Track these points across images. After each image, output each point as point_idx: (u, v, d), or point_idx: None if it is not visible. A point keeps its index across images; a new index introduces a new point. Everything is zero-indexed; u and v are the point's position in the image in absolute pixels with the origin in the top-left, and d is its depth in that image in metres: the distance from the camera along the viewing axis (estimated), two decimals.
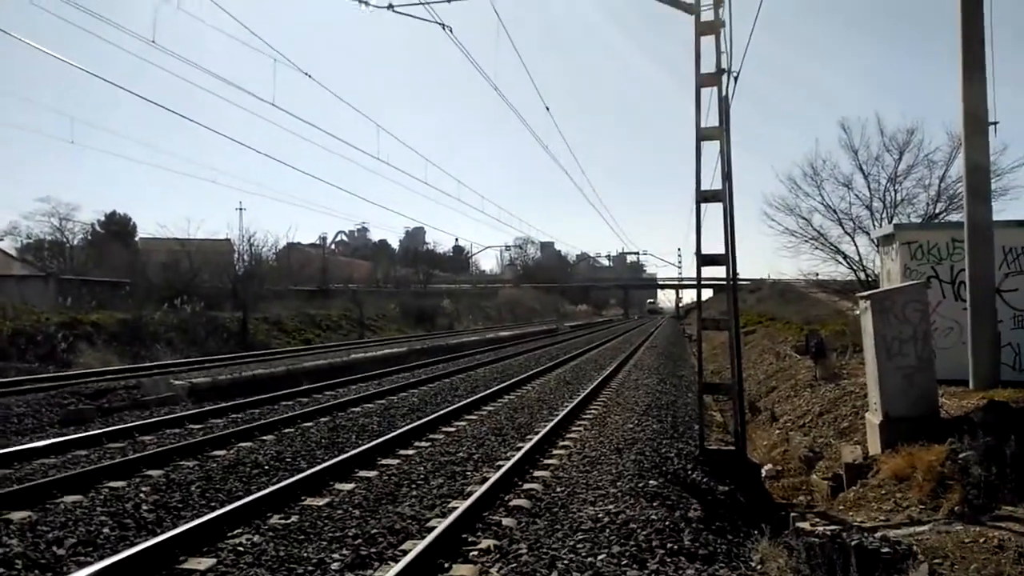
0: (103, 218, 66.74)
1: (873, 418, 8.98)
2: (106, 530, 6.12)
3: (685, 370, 22.16)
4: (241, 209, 66.43)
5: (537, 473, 8.38)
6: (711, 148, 9.97)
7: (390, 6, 13.96)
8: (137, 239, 66.01)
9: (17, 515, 6.47)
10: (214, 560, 5.44)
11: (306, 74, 19.12)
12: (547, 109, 21.91)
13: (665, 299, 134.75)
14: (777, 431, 12.52)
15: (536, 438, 9.94)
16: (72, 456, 9.16)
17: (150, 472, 8.23)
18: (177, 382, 15.25)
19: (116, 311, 27.56)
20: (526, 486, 7.76)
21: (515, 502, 7.12)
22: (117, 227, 66.64)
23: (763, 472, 10.16)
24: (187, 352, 25.63)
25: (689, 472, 8.63)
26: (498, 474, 7.79)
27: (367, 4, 13.79)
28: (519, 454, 8.85)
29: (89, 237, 60.41)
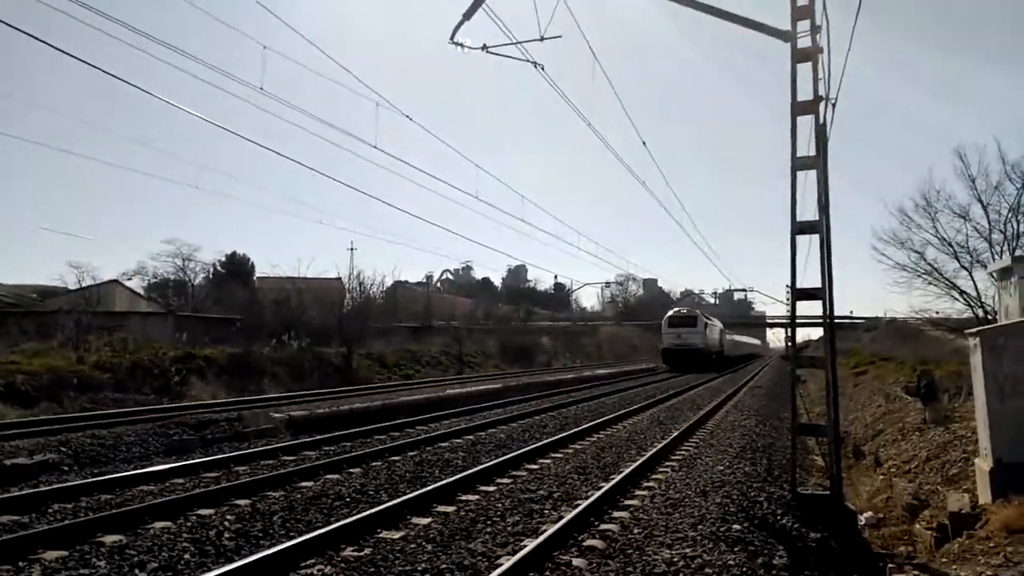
0: (224, 258, 70.57)
1: (983, 464, 8.35)
2: (187, 556, 6.35)
3: (788, 412, 21.23)
4: (352, 249, 68.62)
5: (616, 514, 8.17)
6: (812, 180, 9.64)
7: (484, 47, 14.26)
8: (255, 278, 69.35)
9: (109, 538, 6.81)
10: None
11: (407, 116, 19.69)
12: (644, 144, 21.66)
13: (775, 338, 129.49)
14: (881, 477, 11.79)
15: (619, 478, 9.72)
16: (169, 484, 9.58)
17: (238, 501, 8.50)
18: (276, 415, 15.78)
19: (228, 346, 28.89)
20: (602, 526, 7.57)
21: (589, 542, 6.96)
22: (236, 267, 70.24)
23: (862, 520, 9.56)
24: (292, 386, 26.55)
25: (778, 517, 8.22)
26: (573, 512, 7.64)
27: (463, 46, 14.11)
28: (599, 493, 8.66)
29: (210, 276, 63.83)
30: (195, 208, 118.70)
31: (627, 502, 8.79)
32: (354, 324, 37.01)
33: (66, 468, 10.68)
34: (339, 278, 47.98)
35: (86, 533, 6.90)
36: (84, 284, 39.85)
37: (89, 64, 11.35)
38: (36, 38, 10.29)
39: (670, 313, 51.36)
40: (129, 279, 50.46)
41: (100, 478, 9.47)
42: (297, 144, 67.08)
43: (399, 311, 62.55)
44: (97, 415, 15.79)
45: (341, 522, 7.23)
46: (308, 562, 6.24)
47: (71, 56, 10.95)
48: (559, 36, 13.66)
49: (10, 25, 9.98)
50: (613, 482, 9.41)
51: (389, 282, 58.31)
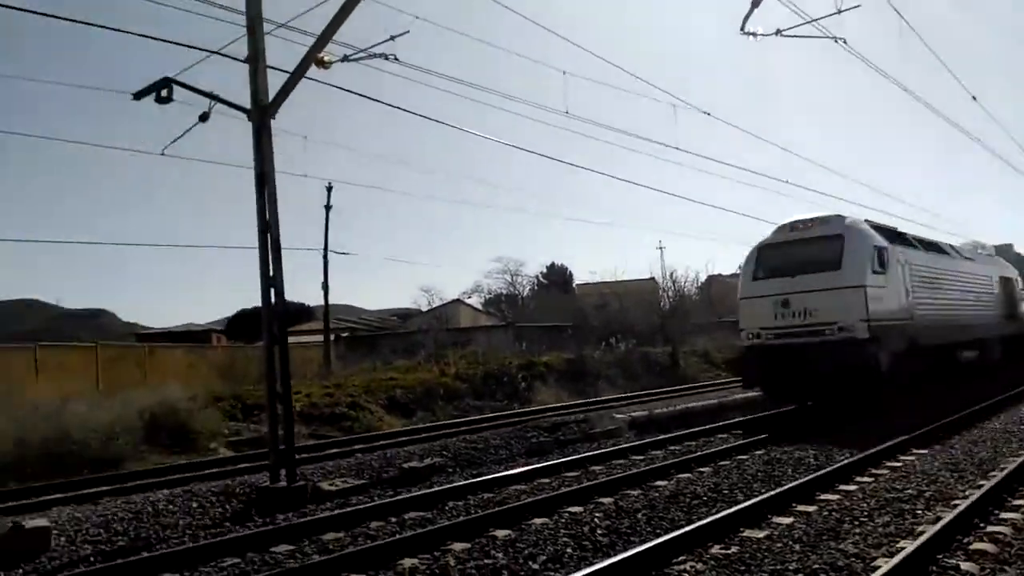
0: (545, 270, 75.01)
1: None
2: (568, 550, 7.04)
3: None
4: (661, 248, 69.29)
5: (1004, 515, 7.45)
6: None
7: (777, 31, 13.89)
8: (574, 286, 72.73)
9: (500, 533, 7.77)
10: None
11: (705, 113, 19.60)
12: (974, 98, 19.24)
13: None
14: None
15: (1001, 475, 8.80)
16: (537, 483, 10.57)
17: (602, 499, 9.14)
18: (618, 415, 16.57)
19: (562, 352, 30.80)
20: (989, 528, 6.97)
21: (976, 545, 6.46)
22: (556, 276, 74.27)
23: None
24: (625, 387, 27.55)
25: None
26: (953, 513, 7.12)
27: (755, 35, 13.84)
28: (979, 492, 7.95)
29: (535, 288, 68.26)
30: (516, 228, 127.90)
31: (1015, 502, 7.96)
32: (674, 322, 37.32)
33: (450, 470, 12.24)
34: (652, 278, 48.53)
35: (481, 528, 7.94)
36: (433, 305, 45.06)
37: (421, 116, 12.99)
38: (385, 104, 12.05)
39: (763, 240, 17.99)
40: (469, 297, 55.93)
41: (480, 479, 10.74)
42: (600, 155, 69.27)
43: (715, 306, 61.53)
44: (464, 422, 17.87)
45: (704, 520, 7.48)
46: (679, 559, 6.58)
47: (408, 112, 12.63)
48: (858, 6, 12.79)
49: (354, 92, 11.80)
50: (995, 480, 8.56)
51: (702, 278, 57.69)
